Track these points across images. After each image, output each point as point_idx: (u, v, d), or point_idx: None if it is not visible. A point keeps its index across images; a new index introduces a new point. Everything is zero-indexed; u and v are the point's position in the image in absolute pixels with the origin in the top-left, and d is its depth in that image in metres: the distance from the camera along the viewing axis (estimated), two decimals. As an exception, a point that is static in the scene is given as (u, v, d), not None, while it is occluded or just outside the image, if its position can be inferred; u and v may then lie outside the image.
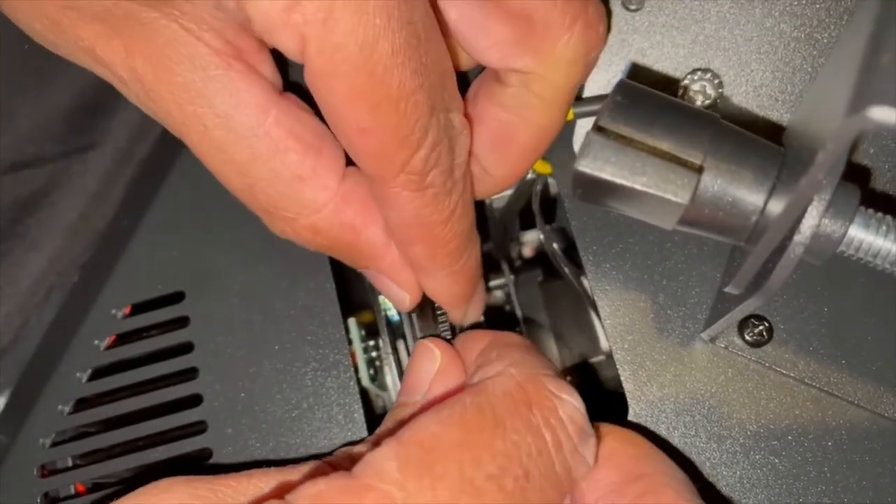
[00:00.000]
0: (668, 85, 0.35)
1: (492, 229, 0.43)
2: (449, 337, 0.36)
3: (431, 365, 0.31)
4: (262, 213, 0.31)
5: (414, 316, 0.36)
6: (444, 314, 0.36)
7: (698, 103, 0.34)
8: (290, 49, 0.26)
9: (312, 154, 0.29)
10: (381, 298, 0.38)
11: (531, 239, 0.45)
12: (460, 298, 0.34)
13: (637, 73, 0.35)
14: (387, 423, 0.30)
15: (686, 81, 0.34)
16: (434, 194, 0.30)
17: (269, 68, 0.29)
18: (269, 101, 0.28)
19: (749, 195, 0.28)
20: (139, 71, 0.28)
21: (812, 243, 0.27)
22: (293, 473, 0.27)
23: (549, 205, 0.40)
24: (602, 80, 0.35)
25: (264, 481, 0.26)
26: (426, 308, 0.35)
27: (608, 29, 0.33)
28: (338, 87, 0.26)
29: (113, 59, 0.28)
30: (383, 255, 0.32)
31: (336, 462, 0.29)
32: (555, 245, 0.37)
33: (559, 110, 0.32)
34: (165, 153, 0.37)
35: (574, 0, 0.30)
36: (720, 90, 0.34)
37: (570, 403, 0.27)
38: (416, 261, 0.32)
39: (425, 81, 0.27)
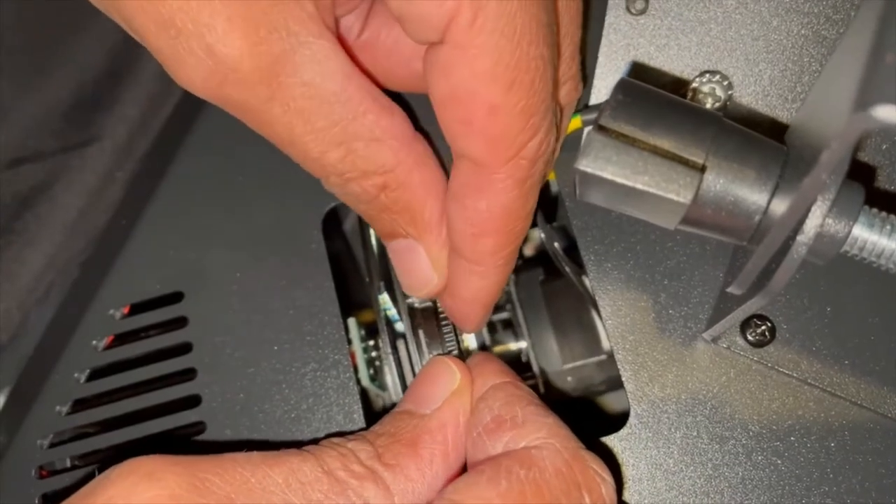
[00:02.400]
0: (678, 88, 0.34)
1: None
2: (455, 351, 0.36)
3: (449, 383, 0.30)
4: (335, 177, 0.30)
5: (421, 331, 0.36)
6: (448, 325, 0.35)
7: (708, 106, 0.34)
8: (433, 22, 0.26)
9: (387, 115, 0.29)
10: (382, 298, 0.37)
11: (532, 238, 0.45)
12: (492, 302, 0.34)
13: (645, 76, 0.35)
14: (386, 424, 0.30)
15: (695, 84, 0.34)
16: (532, 185, 0.29)
17: (342, 43, 0.29)
18: (351, 66, 0.28)
19: (752, 194, 0.28)
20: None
21: (816, 243, 0.26)
22: (276, 460, 0.27)
23: (551, 204, 0.40)
24: (608, 86, 0.35)
25: (249, 470, 0.26)
26: (430, 320, 0.35)
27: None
28: (480, 62, 0.26)
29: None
30: (434, 228, 0.32)
31: (319, 451, 0.28)
32: (556, 244, 0.37)
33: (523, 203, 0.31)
34: (165, 150, 0.37)
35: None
36: (730, 92, 0.34)
37: (610, 484, 0.28)
38: (478, 256, 0.31)
39: (555, 58, 0.27)
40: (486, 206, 0.29)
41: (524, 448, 0.27)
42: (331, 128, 0.28)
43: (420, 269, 0.33)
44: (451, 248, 0.32)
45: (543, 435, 0.27)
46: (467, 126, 0.28)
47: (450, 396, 0.30)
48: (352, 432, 0.33)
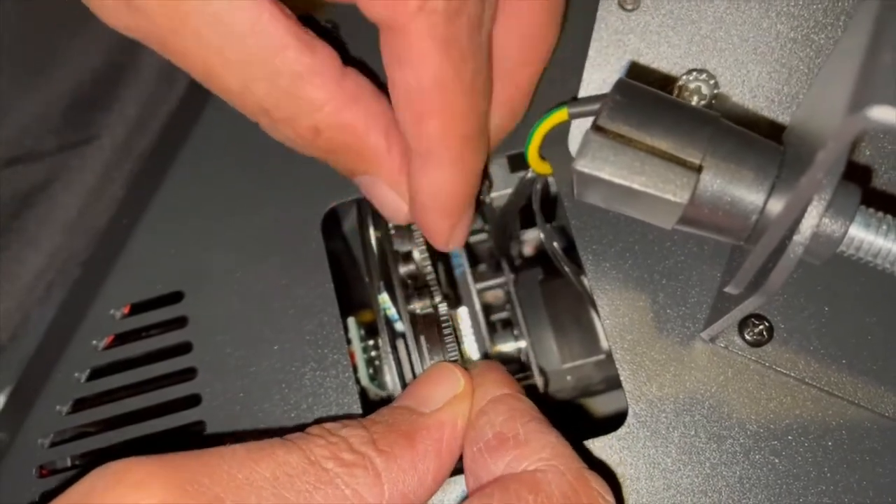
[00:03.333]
0: (665, 85, 0.34)
1: (492, 228, 0.43)
2: (456, 357, 0.36)
3: (452, 388, 0.30)
4: (262, 116, 0.30)
5: (422, 338, 0.36)
6: (449, 333, 0.35)
7: (693, 103, 0.34)
8: None
9: (308, 51, 0.29)
10: (381, 297, 0.37)
11: (532, 237, 0.45)
12: (456, 206, 0.33)
13: (633, 72, 0.35)
14: (384, 415, 0.30)
15: (682, 81, 0.34)
16: (459, 52, 0.28)
17: None
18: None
19: (749, 194, 0.28)
20: None
21: (812, 243, 0.26)
22: (261, 453, 0.27)
23: (550, 204, 0.40)
24: (597, 80, 0.35)
25: (236, 467, 0.26)
26: (432, 326, 0.35)
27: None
28: None
29: None
30: (384, 160, 0.32)
31: (306, 441, 0.28)
32: (555, 244, 0.37)
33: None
34: (165, 149, 0.37)
35: None
36: (716, 90, 0.34)
37: (610, 502, 0.28)
38: (425, 143, 0.30)
39: None
40: (414, 78, 0.28)
41: (530, 472, 0.27)
42: (247, 62, 0.28)
43: (387, 199, 0.33)
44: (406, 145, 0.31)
45: (547, 455, 0.27)
46: None
47: (451, 400, 0.30)
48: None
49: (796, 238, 0.26)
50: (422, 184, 0.31)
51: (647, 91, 0.29)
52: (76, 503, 0.25)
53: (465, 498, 0.28)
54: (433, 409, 0.30)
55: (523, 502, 0.26)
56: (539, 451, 0.27)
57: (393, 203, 0.33)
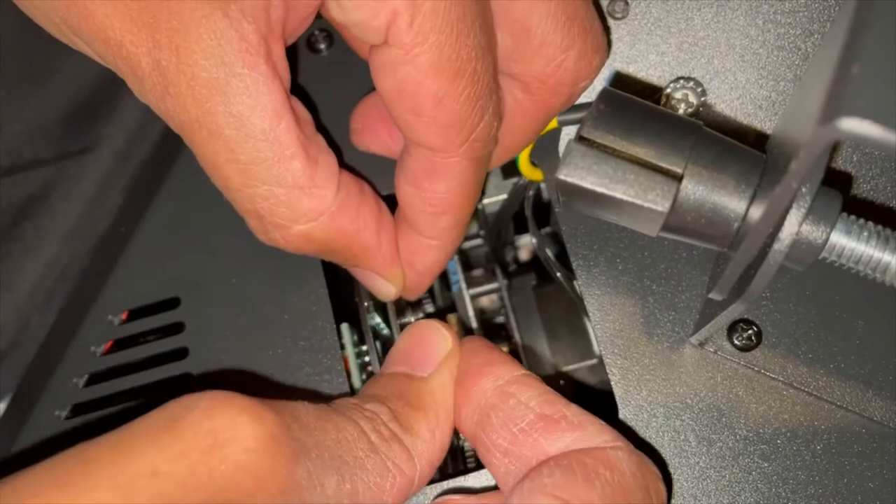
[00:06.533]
0: (652, 93, 0.35)
1: (486, 233, 0.44)
2: None
3: (442, 346, 0.31)
4: (254, 218, 0.31)
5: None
6: None
7: (680, 111, 0.34)
8: (373, 28, 0.27)
9: (312, 164, 0.30)
10: (367, 304, 0.38)
11: (525, 243, 0.45)
12: (440, 270, 0.36)
13: (620, 81, 0.35)
14: (387, 387, 0.30)
15: (668, 90, 0.34)
16: (485, 161, 0.32)
17: (285, 70, 0.30)
18: (283, 105, 0.29)
19: (730, 202, 0.28)
20: (162, 63, 0.28)
21: (793, 250, 0.27)
22: (326, 415, 0.27)
23: (542, 210, 0.41)
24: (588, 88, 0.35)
25: (312, 424, 0.26)
26: None
27: (605, 59, 0.34)
28: (423, 59, 0.28)
29: (138, 51, 0.28)
30: (375, 255, 0.33)
31: (349, 411, 0.29)
32: (547, 250, 0.38)
33: (538, 123, 0.33)
34: (162, 158, 0.38)
35: (576, 25, 0.31)
36: (703, 98, 0.34)
37: (664, 486, 0.28)
38: (437, 233, 0.33)
39: (492, 43, 0.29)
40: (445, 188, 0.31)
41: (601, 449, 0.27)
42: (254, 164, 0.29)
43: (379, 285, 0.35)
44: (406, 226, 0.33)
45: (609, 438, 0.28)
46: (418, 116, 0.29)
47: (444, 359, 0.31)
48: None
49: (776, 245, 0.26)
50: (424, 259, 0.34)
51: (630, 100, 0.30)
52: (176, 416, 0.24)
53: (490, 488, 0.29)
54: (429, 370, 0.30)
55: (602, 478, 0.26)
56: (600, 433, 0.28)
57: (384, 288, 0.35)
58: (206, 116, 0.28)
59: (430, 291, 0.39)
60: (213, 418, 0.24)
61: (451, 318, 0.40)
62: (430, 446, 0.29)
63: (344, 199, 0.31)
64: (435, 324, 0.32)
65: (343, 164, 0.33)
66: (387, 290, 0.35)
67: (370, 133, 0.36)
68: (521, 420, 0.28)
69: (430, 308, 0.38)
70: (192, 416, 0.24)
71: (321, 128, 0.34)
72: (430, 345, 0.31)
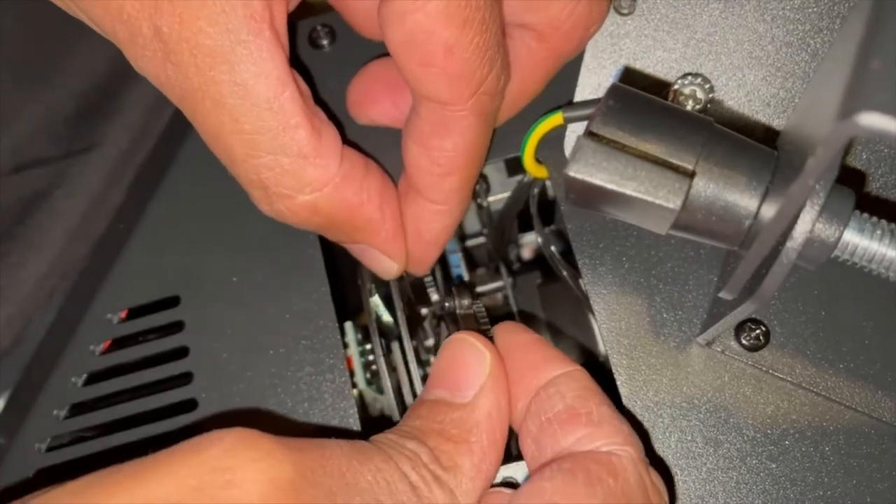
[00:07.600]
0: (660, 89, 0.34)
1: (490, 231, 0.43)
2: None
3: (481, 366, 0.29)
4: (258, 189, 0.30)
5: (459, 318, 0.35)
6: (486, 321, 0.35)
7: (689, 107, 0.34)
8: None
9: (316, 134, 0.29)
10: (373, 301, 0.37)
11: (530, 241, 0.45)
12: (447, 240, 0.35)
13: (628, 77, 0.35)
14: (427, 419, 0.29)
15: (677, 86, 0.34)
16: (492, 119, 0.31)
17: (286, 38, 0.29)
18: (287, 74, 0.29)
19: (742, 200, 0.28)
20: (164, 30, 0.27)
21: (805, 249, 0.26)
22: (363, 456, 0.26)
23: (547, 207, 0.40)
24: (593, 84, 0.35)
25: (344, 465, 0.26)
26: (468, 319, 0.35)
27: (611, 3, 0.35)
28: (432, 5, 0.28)
29: (139, 15, 0.27)
30: (378, 229, 0.33)
31: (389, 450, 0.28)
32: (552, 248, 0.37)
33: (549, 72, 0.34)
34: (162, 156, 0.37)
35: None
36: (711, 94, 0.34)
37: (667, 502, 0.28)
38: (441, 193, 0.33)
39: None
40: (453, 145, 0.31)
41: (605, 453, 0.27)
42: (259, 133, 0.28)
43: (379, 263, 0.34)
44: (413, 195, 0.33)
45: (619, 441, 0.27)
46: (428, 67, 0.29)
47: (487, 381, 0.29)
48: (355, 434, 0.33)
49: (789, 244, 0.26)
50: (430, 226, 0.34)
51: (640, 96, 0.29)
52: (200, 456, 0.24)
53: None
54: (471, 394, 0.29)
55: (605, 485, 0.26)
56: (612, 434, 0.27)
57: (386, 265, 0.34)
58: (210, 85, 0.28)
59: (434, 280, 0.38)
60: (235, 457, 0.24)
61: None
62: (475, 483, 0.28)
63: (348, 171, 0.31)
64: (469, 340, 0.30)
65: (347, 142, 0.32)
66: (388, 266, 0.34)
67: (372, 103, 0.36)
68: (550, 410, 0.28)
69: (434, 296, 0.37)
70: (213, 452, 0.24)
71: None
72: (468, 366, 0.29)
